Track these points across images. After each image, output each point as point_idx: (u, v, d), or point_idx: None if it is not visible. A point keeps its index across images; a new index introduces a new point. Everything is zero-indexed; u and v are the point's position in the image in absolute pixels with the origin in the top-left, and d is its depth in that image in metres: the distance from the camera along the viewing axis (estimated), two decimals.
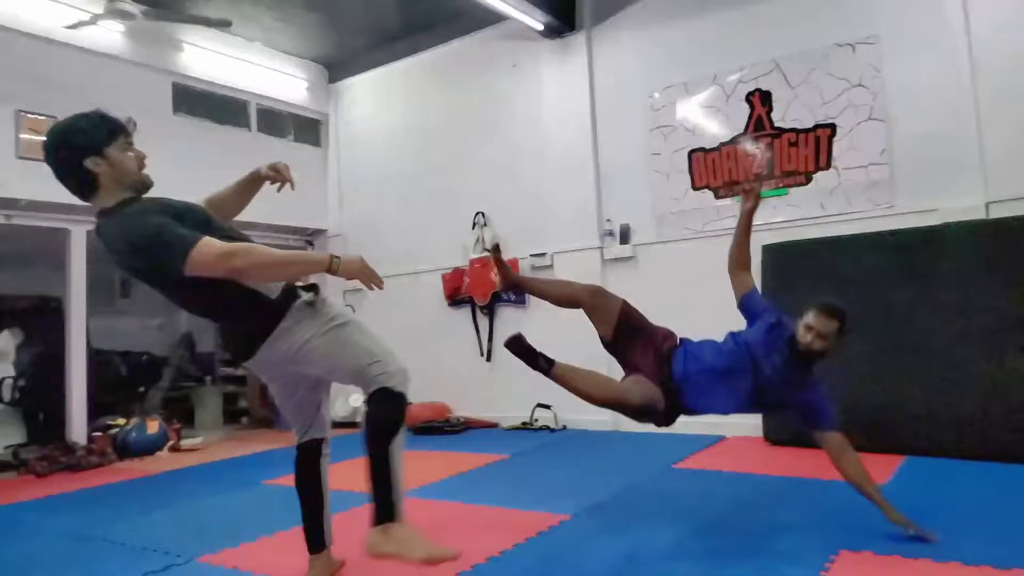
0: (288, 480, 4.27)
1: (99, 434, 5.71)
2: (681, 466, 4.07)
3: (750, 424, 4.68)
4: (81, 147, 1.97)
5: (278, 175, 2.49)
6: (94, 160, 1.98)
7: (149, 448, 5.77)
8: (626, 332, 2.90)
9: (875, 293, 4.29)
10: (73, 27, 5.34)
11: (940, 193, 4.34)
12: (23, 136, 5.19)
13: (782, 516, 2.89)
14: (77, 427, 5.61)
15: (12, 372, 6.46)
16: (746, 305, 2.98)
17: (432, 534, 2.98)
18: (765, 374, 2.69)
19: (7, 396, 6.30)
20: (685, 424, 4.98)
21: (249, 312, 2.09)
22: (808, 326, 2.67)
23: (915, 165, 4.44)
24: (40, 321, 6.52)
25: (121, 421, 5.94)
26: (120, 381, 7.40)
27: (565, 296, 3.14)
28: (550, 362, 2.66)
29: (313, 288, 2.14)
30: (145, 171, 2.14)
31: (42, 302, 6.94)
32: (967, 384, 3.81)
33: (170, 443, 5.93)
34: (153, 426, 5.92)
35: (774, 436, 4.48)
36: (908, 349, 4.08)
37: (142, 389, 7.61)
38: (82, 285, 5.73)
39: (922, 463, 3.67)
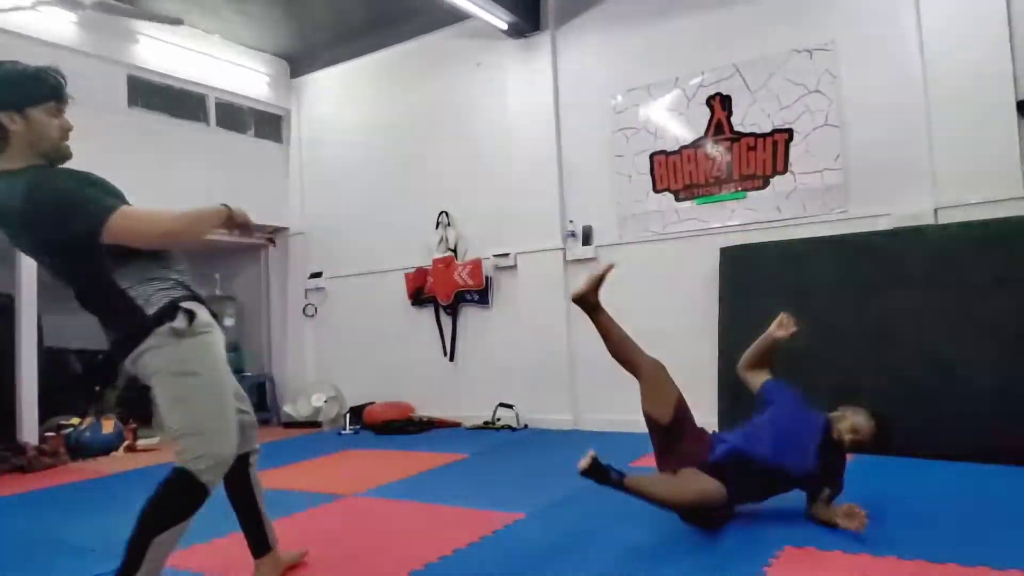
0: None
1: (52, 434, 5.58)
2: (639, 464, 4.12)
3: (708, 423, 4.76)
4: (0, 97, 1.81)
5: (238, 225, 2.10)
6: (10, 115, 1.83)
7: (104, 448, 5.66)
8: (680, 420, 2.95)
9: (828, 296, 4.40)
10: (6, 11, 5.18)
11: (892, 198, 4.47)
12: None
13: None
14: (28, 427, 5.46)
15: None
16: (764, 396, 3.07)
17: (388, 534, 3.01)
18: (797, 475, 2.75)
19: None
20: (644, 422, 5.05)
21: (121, 318, 1.93)
22: (855, 429, 2.74)
23: (868, 170, 4.56)
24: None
25: (75, 421, 5.82)
26: (74, 380, 7.23)
27: (625, 353, 3.17)
28: (621, 475, 2.61)
29: (191, 314, 1.93)
30: (67, 143, 1.98)
31: None
32: (914, 389, 3.91)
33: (126, 443, 5.82)
34: (108, 426, 5.81)
35: None
36: (861, 351, 4.17)
37: (97, 388, 7.45)
38: (33, 281, 5.58)
39: (873, 461, 3.76)
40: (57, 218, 1.79)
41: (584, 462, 2.53)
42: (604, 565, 2.44)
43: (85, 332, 7.90)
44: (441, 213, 6.29)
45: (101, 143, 5.78)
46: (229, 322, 7.40)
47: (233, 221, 2.01)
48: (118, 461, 5.38)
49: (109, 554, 2.84)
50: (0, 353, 5.84)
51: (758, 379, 3.13)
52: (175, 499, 1.83)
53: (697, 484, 2.68)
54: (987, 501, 2.96)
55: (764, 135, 4.91)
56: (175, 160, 6.33)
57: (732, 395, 4.62)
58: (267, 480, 4.15)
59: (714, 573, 2.29)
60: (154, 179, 6.11)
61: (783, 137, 4.85)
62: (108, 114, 5.91)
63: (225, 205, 1.98)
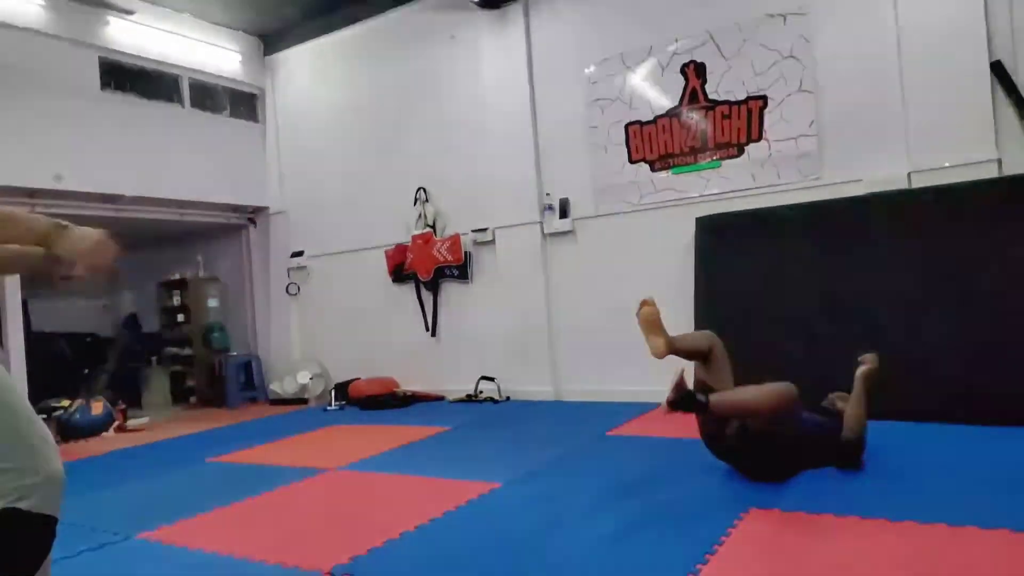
0: (232, 457, 4.36)
1: (43, 416, 5.64)
2: (615, 433, 4.22)
3: None
4: None
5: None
6: None
7: (94, 429, 5.75)
8: None
9: (802, 263, 4.46)
10: None
11: (865, 164, 4.49)
12: None
13: (700, 478, 3.04)
14: None
15: None
16: None
17: (368, 505, 3.10)
18: None
19: None
20: (624, 393, 5.18)
21: None
22: None
23: (842, 136, 4.59)
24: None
25: (65, 403, 5.89)
26: (64, 363, 7.30)
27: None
28: (706, 397, 2.67)
29: None
30: None
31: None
32: (888, 353, 3.94)
33: (116, 424, 5.91)
34: (98, 407, 5.89)
35: None
36: (836, 318, 4.23)
37: (87, 371, 7.51)
38: None
39: None
40: None
41: (673, 395, 2.65)
42: (574, 530, 2.53)
43: (72, 316, 8.00)
44: (419, 189, 6.31)
45: (75, 128, 5.78)
46: (214, 303, 7.45)
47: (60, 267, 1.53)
48: (108, 441, 5.47)
49: (97, 530, 2.94)
50: None
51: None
52: (23, 543, 1.49)
53: (773, 385, 2.75)
54: (956, 461, 3.03)
55: (738, 102, 4.93)
56: (151, 143, 6.30)
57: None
58: (256, 456, 4.31)
59: (680, 535, 2.37)
60: (131, 163, 6.12)
61: (757, 104, 4.87)
62: (81, 98, 5.87)
63: (59, 224, 1.50)
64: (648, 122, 5.24)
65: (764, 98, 4.83)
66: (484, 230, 5.92)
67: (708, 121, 5.03)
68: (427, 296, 6.33)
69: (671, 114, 5.15)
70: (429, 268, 6.20)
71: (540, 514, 2.75)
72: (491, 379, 5.81)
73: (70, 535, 2.89)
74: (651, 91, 5.23)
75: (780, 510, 2.54)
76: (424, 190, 6.29)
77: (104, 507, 3.40)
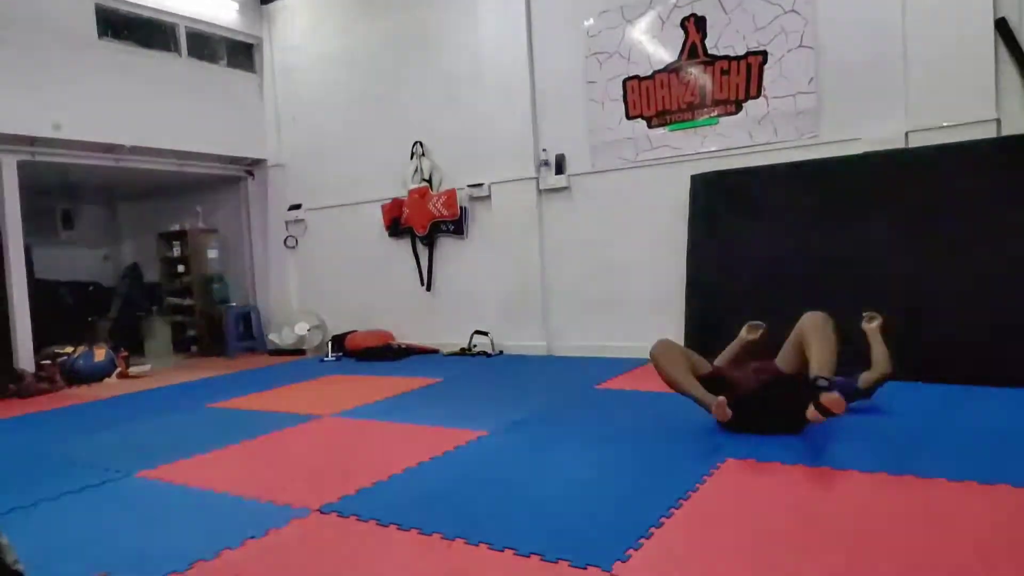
0: (230, 404, 4.48)
1: (48, 362, 5.79)
2: (603, 387, 4.31)
3: None
4: None
5: None
6: None
7: (97, 375, 5.88)
8: None
9: (797, 223, 4.47)
10: None
11: (864, 122, 4.47)
12: None
13: (680, 429, 3.11)
14: (24, 355, 5.67)
15: None
16: None
17: (359, 449, 3.21)
18: None
19: None
20: (616, 348, 5.26)
21: None
22: None
23: (841, 94, 4.55)
24: None
25: (69, 349, 6.02)
26: (66, 311, 7.41)
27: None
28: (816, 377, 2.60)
29: None
30: None
31: None
32: (884, 312, 3.98)
33: (118, 370, 6.04)
34: (100, 354, 6.01)
35: None
36: (834, 277, 4.25)
37: (89, 319, 7.64)
38: (17, 216, 5.66)
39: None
40: None
41: (726, 411, 2.75)
42: (554, 475, 2.63)
43: (75, 265, 8.08)
44: (415, 143, 6.29)
45: (72, 77, 5.77)
46: (213, 254, 7.51)
47: None
48: (111, 386, 5.61)
49: (98, 467, 3.07)
50: None
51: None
52: None
53: (823, 324, 2.80)
54: (943, 419, 3.09)
55: (738, 58, 4.88)
56: (148, 93, 6.28)
57: (699, 321, 4.78)
58: (253, 403, 4.43)
59: (658, 481, 2.46)
60: (128, 112, 6.11)
61: (757, 60, 4.83)
62: (78, 47, 5.84)
63: None
64: (646, 77, 5.20)
65: (764, 53, 4.79)
66: (480, 185, 5.93)
67: (707, 76, 4.99)
68: (423, 250, 6.38)
69: (670, 69, 5.11)
70: (425, 223, 6.23)
71: (524, 460, 2.85)
72: (485, 333, 5.90)
73: (73, 472, 3.03)
74: (650, 45, 5.17)
75: (756, 460, 2.62)
76: (421, 144, 6.28)
77: (106, 447, 3.53)
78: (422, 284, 6.39)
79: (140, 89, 6.21)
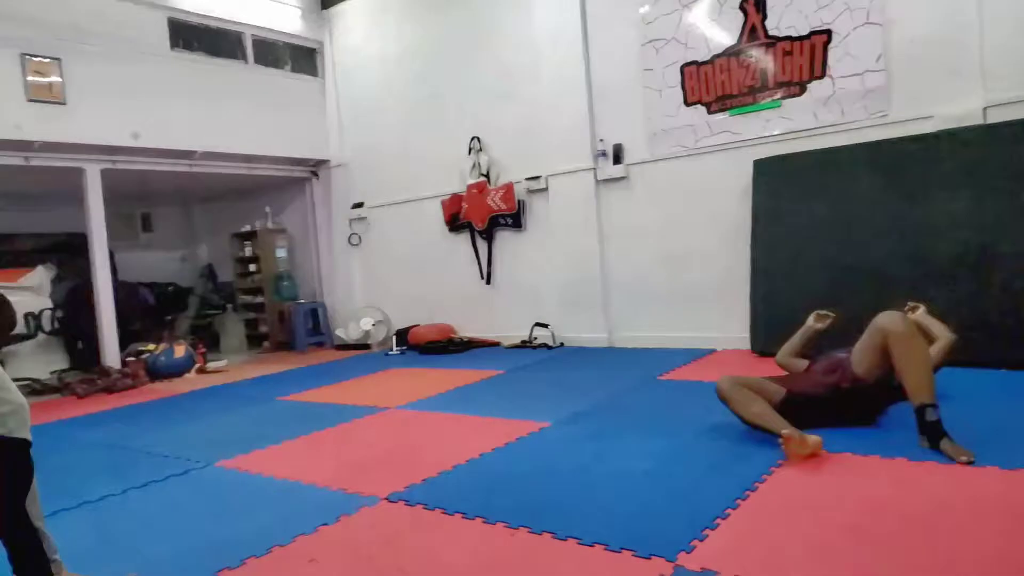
0: (300, 397, 4.65)
1: (132, 359, 6.14)
2: (666, 377, 4.27)
3: (742, 338, 4.85)
4: None
5: None
6: None
7: (177, 370, 6.20)
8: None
9: (868, 205, 4.33)
10: None
11: (937, 99, 4.26)
12: (30, 79, 5.35)
13: None
14: (110, 353, 6.03)
15: (49, 304, 6.87)
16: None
17: (424, 440, 3.28)
18: None
19: (47, 326, 6.73)
20: (678, 338, 5.21)
21: None
22: None
23: (912, 70, 4.35)
24: (69, 256, 6.88)
25: (151, 347, 6.36)
26: (148, 310, 7.82)
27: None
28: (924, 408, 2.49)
29: None
30: None
31: (69, 238, 7.30)
32: (958, 298, 3.82)
33: (197, 366, 6.35)
34: (180, 350, 6.33)
35: (760, 348, 4.65)
36: (906, 262, 4.11)
37: (169, 317, 8.04)
38: (101, 221, 6.01)
39: None
40: None
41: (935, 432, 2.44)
42: (617, 465, 2.64)
43: (154, 266, 8.52)
44: (473, 139, 6.34)
45: (148, 88, 6.07)
46: (282, 253, 7.79)
47: None
48: (190, 381, 5.90)
49: (181, 457, 3.24)
50: (83, 288, 6.40)
51: (801, 365, 3.24)
52: (10, 466, 1.65)
53: (908, 337, 2.64)
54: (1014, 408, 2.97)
55: (801, 38, 4.72)
56: (218, 100, 6.55)
57: (765, 311, 4.67)
58: (322, 396, 4.59)
59: (721, 473, 2.43)
60: (201, 120, 6.40)
61: (821, 39, 4.66)
62: (152, 58, 6.15)
63: None
64: (705, 62, 5.09)
65: (828, 32, 4.62)
66: (537, 178, 5.94)
67: (768, 59, 4.85)
68: (482, 244, 6.43)
69: (729, 53, 4.99)
70: (484, 217, 6.29)
71: (586, 451, 2.86)
72: (545, 325, 5.92)
73: (158, 462, 3.21)
74: (708, 29, 5.06)
75: (827, 451, 2.54)
76: (478, 139, 6.33)
77: (187, 439, 3.73)
78: (482, 278, 6.46)
79: (210, 97, 6.49)
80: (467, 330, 6.49)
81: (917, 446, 2.46)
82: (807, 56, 4.72)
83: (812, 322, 3.33)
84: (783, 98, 4.82)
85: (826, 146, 4.60)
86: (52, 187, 6.56)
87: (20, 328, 6.41)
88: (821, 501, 2.11)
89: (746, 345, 4.82)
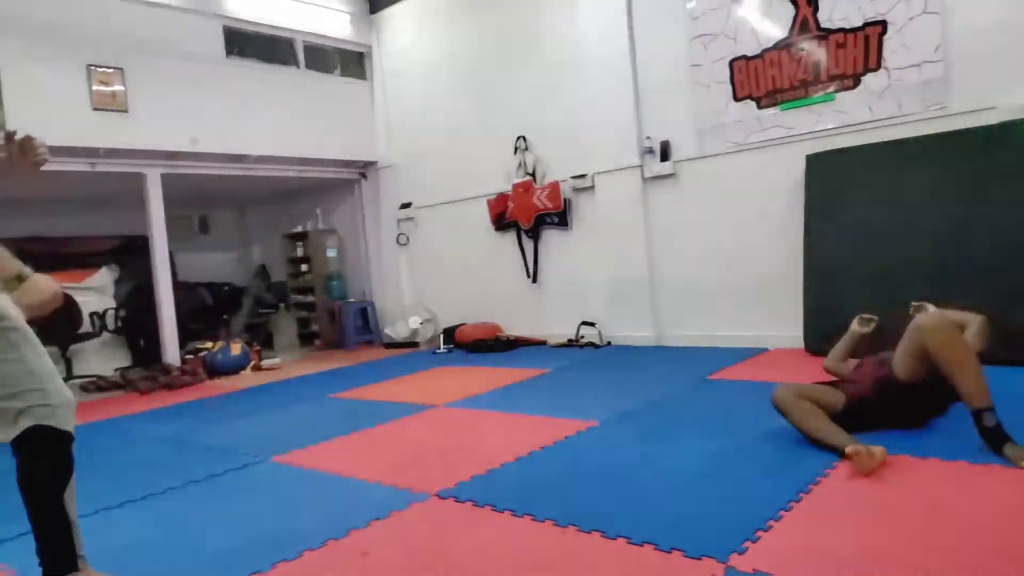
0: (351, 394, 4.74)
1: (191, 356, 6.38)
2: (716, 377, 4.21)
3: (794, 337, 4.75)
4: None
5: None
6: None
7: (234, 368, 6.40)
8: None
9: (926, 200, 4.20)
10: None
11: (999, 89, 4.11)
12: (95, 88, 5.60)
13: None
14: (171, 351, 6.26)
15: (113, 304, 7.19)
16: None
17: (472, 438, 3.32)
18: None
19: (111, 325, 7.04)
20: (729, 337, 5.13)
21: None
22: None
23: (972, 60, 4.19)
24: (131, 258, 7.17)
25: (209, 345, 6.59)
26: (206, 309, 8.10)
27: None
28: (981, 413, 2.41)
29: None
30: None
31: (130, 240, 7.62)
32: (1020, 295, 3.69)
33: (252, 363, 6.54)
34: (236, 348, 6.54)
35: (814, 347, 4.54)
36: (967, 260, 3.96)
37: (225, 316, 8.31)
38: (162, 223, 6.24)
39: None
40: None
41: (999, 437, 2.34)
42: (667, 465, 2.62)
43: (211, 267, 8.81)
44: (519, 138, 6.36)
45: (205, 94, 6.28)
46: (332, 253, 7.96)
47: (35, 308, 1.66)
48: (246, 378, 6.08)
49: (239, 452, 3.35)
50: (144, 288, 6.67)
51: (848, 368, 3.16)
52: (54, 459, 1.68)
53: (954, 338, 2.57)
54: None
55: (854, 30, 4.60)
56: (271, 105, 6.74)
57: (819, 309, 4.57)
58: (371, 393, 4.68)
59: (774, 475, 2.39)
60: (255, 125, 6.59)
61: (876, 31, 4.53)
62: (209, 66, 6.36)
63: (20, 274, 1.64)
64: (754, 56, 5.00)
65: (883, 23, 4.48)
66: (583, 176, 5.93)
67: (821, 51, 4.74)
68: (528, 243, 6.45)
69: (780, 46, 4.89)
70: (529, 216, 6.30)
71: (635, 450, 2.85)
72: (592, 324, 5.90)
73: (218, 456, 3.33)
74: (758, 23, 4.97)
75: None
76: (524, 138, 6.35)
77: (244, 434, 3.85)
78: (528, 276, 6.48)
79: (264, 102, 6.68)
80: (513, 329, 6.52)
81: (978, 448, 2.38)
82: (861, 48, 4.60)
83: (856, 327, 3.24)
84: (836, 91, 4.71)
85: (882, 139, 4.47)
86: (115, 191, 6.84)
87: (86, 327, 6.73)
88: (880, 504, 2.06)
89: (799, 344, 4.72)
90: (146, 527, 2.47)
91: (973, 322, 2.83)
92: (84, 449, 3.63)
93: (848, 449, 2.34)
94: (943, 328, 2.49)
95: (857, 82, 4.63)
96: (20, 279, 1.63)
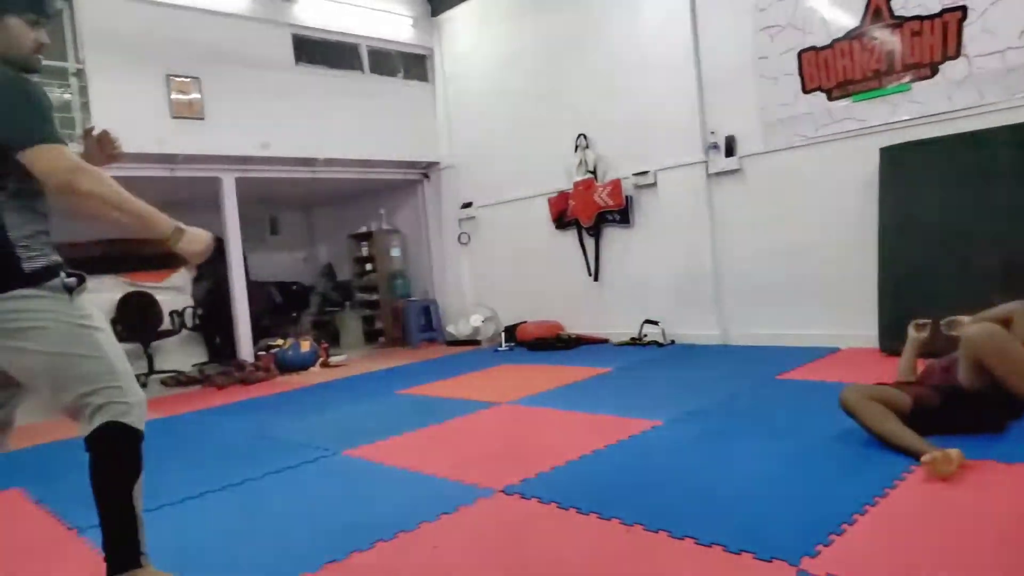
0: (416, 391, 4.84)
1: (264, 353, 6.63)
2: (785, 377, 4.11)
3: (869, 336, 4.60)
4: None
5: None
6: None
7: (303, 364, 6.62)
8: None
9: (1009, 193, 4.00)
10: None
11: None
12: (173, 97, 5.89)
13: None
14: (245, 348, 6.53)
15: (191, 303, 7.54)
16: None
17: (535, 436, 3.35)
18: None
19: (189, 323, 7.38)
20: (799, 336, 5.01)
21: None
22: None
23: None
24: (208, 258, 7.49)
25: (280, 342, 6.84)
26: (276, 307, 8.40)
27: None
28: None
29: (80, 277, 1.75)
30: (38, 57, 1.78)
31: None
32: None
33: (320, 360, 6.76)
34: (306, 346, 6.76)
35: (889, 347, 4.38)
36: None
37: (295, 314, 8.60)
38: (236, 225, 6.51)
39: None
40: (15, 112, 1.63)
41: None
42: (736, 467, 2.58)
43: (280, 267, 9.13)
44: (579, 136, 6.35)
45: (276, 100, 6.52)
46: (396, 252, 8.14)
47: (192, 253, 1.79)
48: (315, 375, 6.29)
49: (311, 446, 3.48)
50: (220, 288, 6.97)
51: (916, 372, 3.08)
52: (128, 454, 1.70)
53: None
54: None
55: (931, 16, 4.40)
56: (337, 109, 6.94)
57: (894, 307, 4.40)
58: (436, 390, 4.78)
59: (848, 477, 2.34)
60: (322, 129, 6.80)
61: (955, 17, 4.33)
62: (279, 72, 6.60)
63: (179, 228, 1.76)
64: (824, 47, 4.85)
65: (963, 9, 4.28)
66: (645, 173, 5.87)
67: (895, 40, 4.56)
68: (589, 241, 6.43)
69: (851, 36, 4.73)
70: (591, 214, 6.28)
71: (701, 450, 2.82)
72: (655, 323, 5.84)
73: (292, 449, 3.46)
74: (828, 12, 4.82)
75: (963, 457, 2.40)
76: (584, 136, 6.33)
77: (316, 429, 3.99)
78: (589, 274, 6.46)
79: (330, 106, 6.89)
80: (574, 327, 6.52)
81: None
82: (939, 35, 4.40)
83: (912, 333, 3.14)
84: (912, 81, 4.52)
85: (962, 130, 4.27)
86: (193, 195, 7.16)
87: (166, 324, 7.09)
88: (961, 509, 1.98)
89: (873, 344, 4.56)
90: (226, 516, 2.60)
91: (1017, 312, 2.70)
92: (168, 441, 3.88)
93: (924, 458, 2.27)
94: (992, 337, 2.45)
95: (935, 71, 4.43)
96: (181, 230, 1.75)
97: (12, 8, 1.70)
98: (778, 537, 1.89)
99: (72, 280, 1.71)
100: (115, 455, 1.69)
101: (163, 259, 7.61)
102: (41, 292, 1.65)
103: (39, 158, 1.60)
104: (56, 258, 1.72)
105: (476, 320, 7.06)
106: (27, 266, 1.64)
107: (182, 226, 1.76)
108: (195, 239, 1.78)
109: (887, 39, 4.59)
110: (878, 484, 2.20)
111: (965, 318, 2.75)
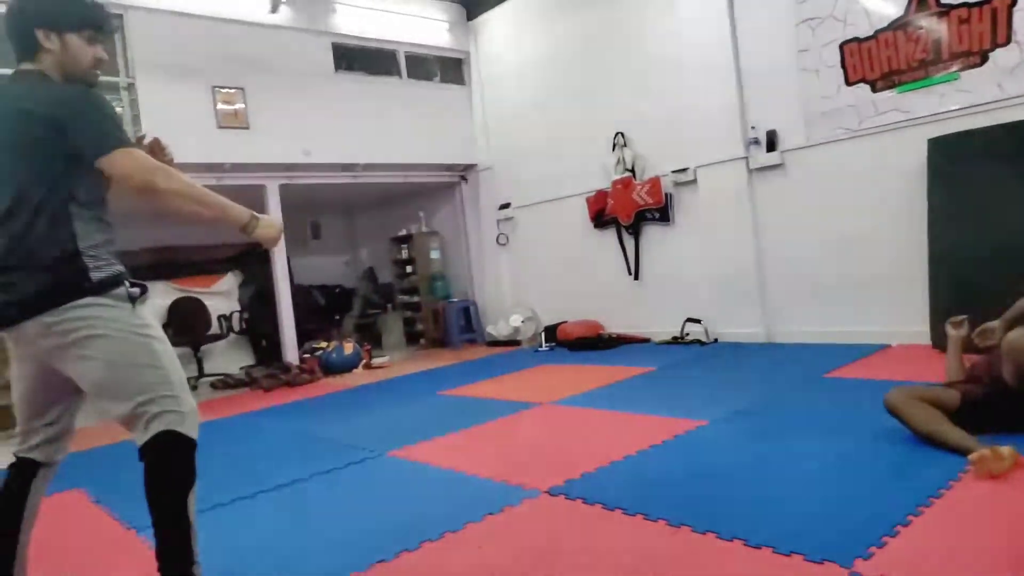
0: (458, 392, 4.89)
1: (308, 355, 6.77)
2: (833, 375, 4.02)
3: (919, 332, 4.48)
4: (39, 15, 1.75)
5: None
6: (47, 34, 1.74)
7: (347, 366, 6.74)
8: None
9: None
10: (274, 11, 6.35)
11: None
12: (219, 107, 6.05)
13: None
14: (290, 350, 6.67)
15: (238, 307, 7.74)
16: None
17: (579, 436, 3.35)
18: None
19: (236, 327, 7.58)
20: (846, 334, 4.90)
21: (61, 262, 1.66)
22: None
23: None
24: (253, 263, 7.69)
25: (324, 344, 6.97)
26: (320, 310, 8.56)
27: None
28: None
29: (143, 287, 1.78)
30: (96, 72, 1.84)
31: (252, 247, 8.13)
32: None
33: (364, 362, 6.87)
34: (349, 348, 6.88)
35: (941, 343, 4.25)
36: None
37: (337, 317, 8.75)
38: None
39: None
40: (79, 124, 1.67)
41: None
42: (783, 469, 2.54)
43: (323, 270, 9.30)
44: (617, 134, 6.32)
45: (317, 107, 6.65)
46: (435, 254, 8.21)
47: (267, 239, 1.91)
48: (358, 376, 6.39)
49: (356, 447, 3.54)
50: (265, 292, 7.14)
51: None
52: (183, 463, 1.71)
53: None
54: None
55: (979, 3, 4.26)
56: (376, 114, 7.05)
57: (946, 302, 4.27)
58: (478, 391, 4.80)
59: (902, 478, 2.29)
60: (362, 134, 6.92)
61: (1005, 2, 4.18)
62: (319, 80, 6.73)
63: (254, 216, 1.87)
64: (867, 38, 4.74)
65: None
66: (685, 170, 5.81)
67: (942, 28, 4.42)
68: (628, 240, 6.39)
69: (895, 26, 4.61)
70: (630, 212, 6.25)
71: (748, 450, 2.79)
72: (697, 321, 5.78)
73: (338, 450, 3.53)
74: (870, 3, 4.70)
75: (1022, 457, 2.32)
76: (622, 135, 6.30)
77: (361, 430, 4.06)
78: (629, 273, 6.42)
79: (370, 112, 6.99)
80: (615, 326, 6.49)
81: None
82: (988, 22, 4.26)
83: (951, 331, 3.07)
84: (961, 70, 4.38)
85: (1014, 119, 4.12)
86: (239, 202, 7.35)
87: (214, 328, 7.29)
88: (1021, 510, 1.92)
89: (924, 340, 4.43)
90: (276, 515, 2.66)
91: None
92: (219, 443, 3.99)
93: (972, 456, 2.21)
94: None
95: (984, 59, 4.29)
96: (256, 217, 1.87)
97: (71, 26, 1.77)
98: (829, 539, 1.86)
99: (136, 290, 1.74)
100: (170, 464, 1.70)
101: (210, 265, 7.86)
102: (106, 301, 1.68)
103: (117, 162, 1.67)
104: (120, 267, 1.76)
105: (516, 320, 7.09)
106: (95, 275, 1.68)
107: (256, 214, 1.88)
108: (270, 225, 1.90)
109: (933, 27, 4.46)
110: (933, 484, 2.15)
111: (993, 324, 2.72)
